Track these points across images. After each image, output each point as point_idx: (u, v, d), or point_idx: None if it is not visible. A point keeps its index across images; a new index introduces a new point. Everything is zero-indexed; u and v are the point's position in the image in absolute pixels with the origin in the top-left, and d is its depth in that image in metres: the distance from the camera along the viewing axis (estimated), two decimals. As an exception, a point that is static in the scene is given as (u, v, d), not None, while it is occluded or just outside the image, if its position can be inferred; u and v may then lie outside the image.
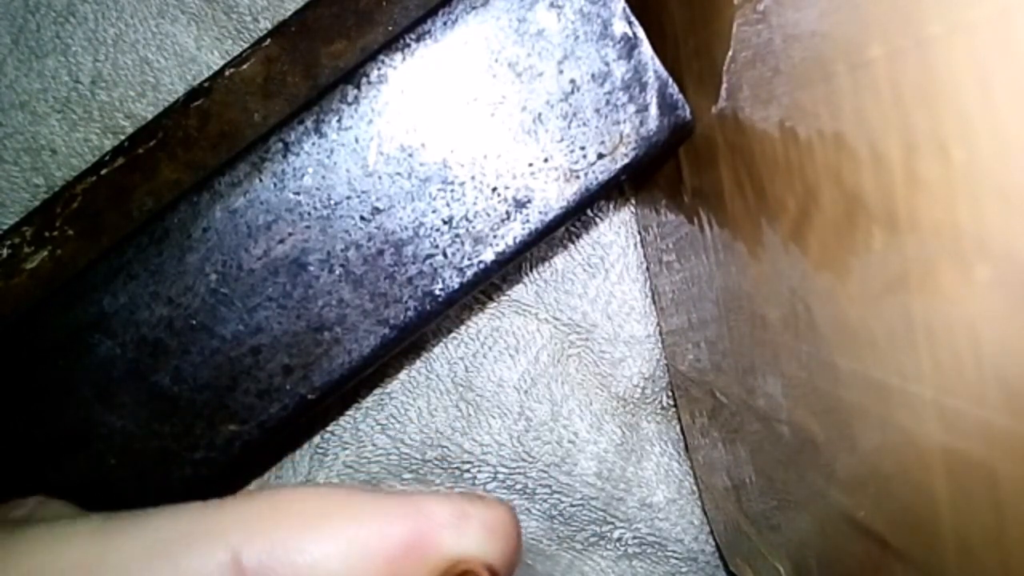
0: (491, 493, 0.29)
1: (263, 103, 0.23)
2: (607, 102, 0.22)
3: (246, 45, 0.25)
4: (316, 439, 0.28)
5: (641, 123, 0.22)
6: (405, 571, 0.14)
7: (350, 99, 0.21)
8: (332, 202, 0.21)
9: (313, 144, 0.21)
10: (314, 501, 0.14)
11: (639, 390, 0.29)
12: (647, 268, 0.29)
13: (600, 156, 0.22)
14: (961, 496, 0.12)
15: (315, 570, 0.13)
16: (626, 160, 0.22)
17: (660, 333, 0.29)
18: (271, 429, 0.22)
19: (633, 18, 0.21)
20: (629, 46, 0.21)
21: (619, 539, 0.29)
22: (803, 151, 0.15)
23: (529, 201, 0.22)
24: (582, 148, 0.22)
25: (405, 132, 0.21)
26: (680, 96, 0.22)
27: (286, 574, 0.13)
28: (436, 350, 0.29)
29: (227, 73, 0.23)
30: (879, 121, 0.13)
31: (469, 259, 0.22)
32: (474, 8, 0.21)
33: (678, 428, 0.29)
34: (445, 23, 0.21)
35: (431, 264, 0.22)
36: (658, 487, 0.29)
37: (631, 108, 0.22)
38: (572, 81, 0.22)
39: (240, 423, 0.22)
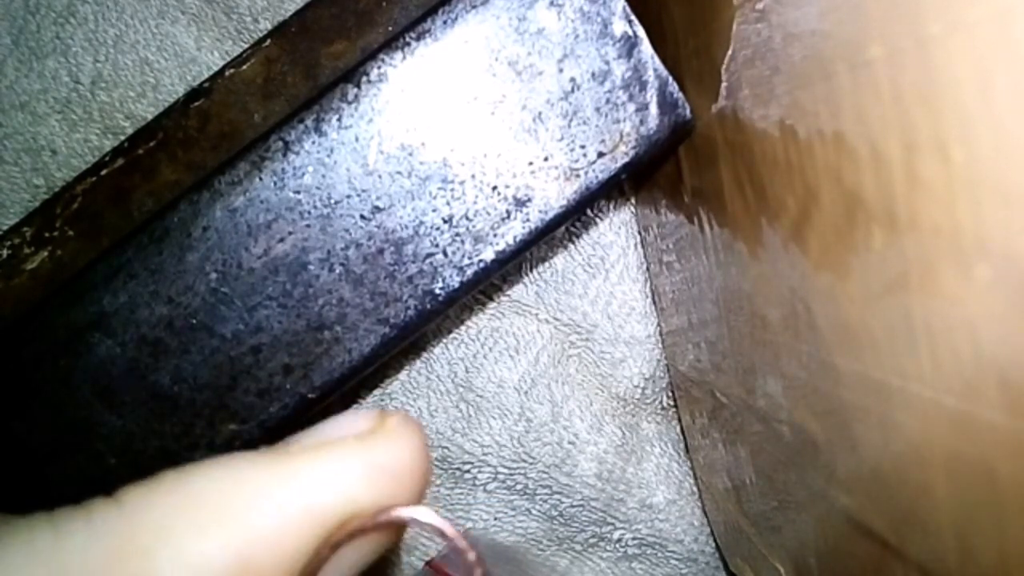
0: (492, 493, 0.29)
1: (263, 103, 0.23)
2: (607, 101, 0.22)
3: (246, 45, 0.25)
4: (316, 439, 0.28)
5: (641, 122, 0.22)
6: (285, 548, 0.12)
7: (350, 98, 0.21)
8: (332, 201, 0.21)
9: (313, 143, 0.21)
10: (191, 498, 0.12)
11: (639, 391, 0.29)
12: (647, 268, 0.29)
13: (600, 155, 0.22)
14: (961, 496, 0.12)
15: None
16: (626, 159, 0.22)
17: (660, 333, 0.29)
18: (271, 428, 0.22)
19: (633, 17, 0.21)
20: (629, 45, 0.21)
21: (619, 540, 0.29)
22: (803, 151, 0.15)
23: (529, 200, 0.22)
24: (582, 147, 0.22)
25: (405, 131, 0.21)
26: (680, 95, 0.22)
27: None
28: (436, 350, 0.29)
29: (227, 73, 0.23)
30: (879, 121, 0.13)
31: (469, 258, 0.22)
32: (474, 7, 0.21)
33: (678, 429, 0.29)
34: (445, 22, 0.21)
35: (431, 263, 0.22)
36: (658, 488, 0.29)
37: (631, 107, 0.22)
38: (572, 80, 0.21)
39: (240, 422, 0.22)
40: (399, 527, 0.13)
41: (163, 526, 0.11)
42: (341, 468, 0.12)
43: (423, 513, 0.13)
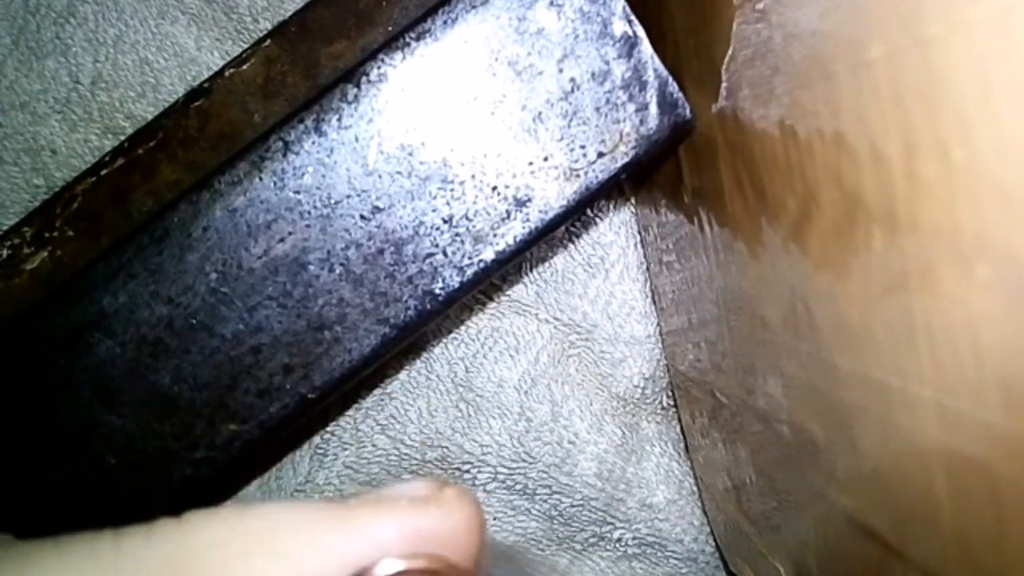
0: (492, 493, 0.29)
1: (263, 103, 0.23)
2: (607, 101, 0.22)
3: (246, 45, 0.25)
4: (316, 439, 0.28)
5: (641, 122, 0.22)
6: None
7: (350, 98, 0.21)
8: (332, 201, 0.21)
9: (313, 143, 0.21)
10: (235, 541, 0.13)
11: (639, 390, 0.29)
12: (647, 268, 0.29)
13: (600, 155, 0.22)
14: (961, 496, 0.12)
15: None
16: (626, 159, 0.22)
17: (660, 333, 0.29)
18: (271, 428, 0.22)
19: (633, 17, 0.21)
20: (629, 45, 0.21)
21: (619, 540, 0.29)
22: (803, 151, 0.15)
23: (529, 200, 0.22)
24: (582, 147, 0.22)
25: (405, 131, 0.21)
26: (680, 95, 0.22)
27: None
28: (436, 350, 0.29)
29: (227, 73, 0.23)
30: (879, 121, 0.13)
31: (469, 258, 0.22)
32: (474, 7, 0.21)
33: (678, 428, 0.29)
34: (445, 22, 0.21)
35: (431, 263, 0.22)
36: (658, 488, 0.29)
37: (631, 107, 0.22)
38: (572, 80, 0.21)
39: (240, 422, 0.22)
40: None
41: (217, 545, 0.12)
42: (388, 526, 0.13)
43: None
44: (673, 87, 0.22)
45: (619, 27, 0.21)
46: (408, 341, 0.22)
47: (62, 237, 0.22)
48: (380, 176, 0.21)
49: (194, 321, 0.21)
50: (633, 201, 0.29)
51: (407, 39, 0.21)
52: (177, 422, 0.22)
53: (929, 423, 0.13)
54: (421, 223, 0.22)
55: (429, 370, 0.29)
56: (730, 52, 0.18)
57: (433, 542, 0.13)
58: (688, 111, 0.22)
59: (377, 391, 0.29)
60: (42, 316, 0.21)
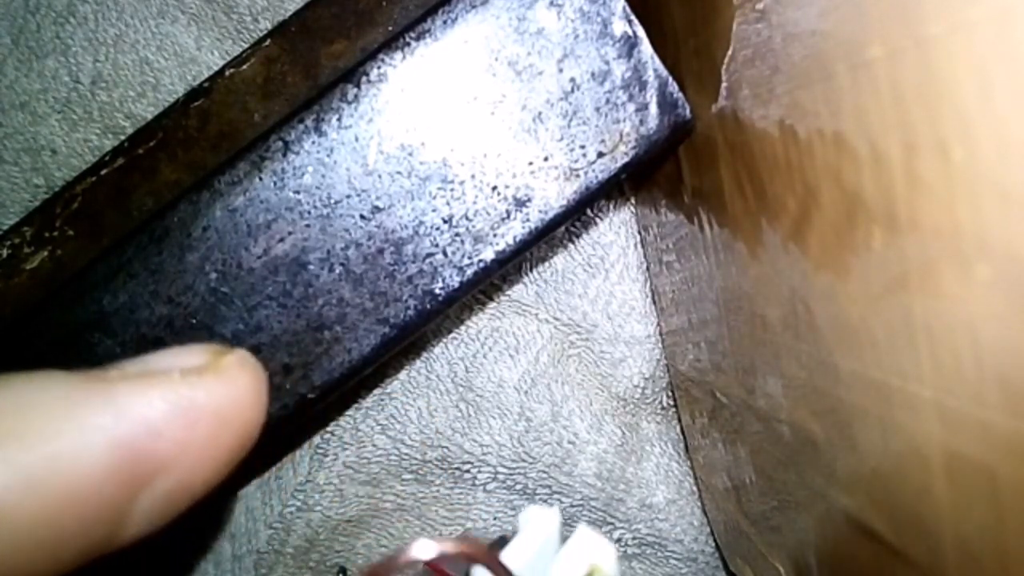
0: (493, 492, 0.29)
1: (263, 103, 0.23)
2: (607, 101, 0.22)
3: (246, 45, 0.25)
4: (316, 439, 0.29)
5: (641, 122, 0.22)
6: (109, 514, 0.11)
7: (350, 98, 0.21)
8: (332, 201, 0.21)
9: (313, 143, 0.21)
10: None
11: (639, 390, 0.29)
12: (647, 268, 0.29)
13: (600, 155, 0.22)
14: (961, 496, 0.12)
15: None
16: (626, 159, 0.22)
17: (660, 333, 0.29)
18: (271, 428, 0.22)
19: (633, 17, 0.21)
20: (629, 45, 0.21)
21: (619, 540, 0.29)
22: (803, 151, 0.15)
23: (529, 200, 0.22)
24: (582, 147, 0.22)
25: (405, 131, 0.21)
26: (680, 95, 0.22)
27: None
28: (436, 350, 0.29)
29: (227, 73, 0.23)
30: (879, 121, 0.13)
31: (469, 258, 0.22)
32: (474, 7, 0.21)
33: (678, 428, 0.29)
34: (445, 22, 0.21)
35: (431, 263, 0.22)
36: (658, 488, 0.29)
37: (631, 107, 0.22)
38: (572, 80, 0.21)
39: (240, 423, 0.22)
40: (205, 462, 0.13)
41: None
42: (155, 402, 0.12)
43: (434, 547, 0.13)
44: (673, 87, 0.22)
45: (619, 27, 0.21)
46: (408, 341, 0.22)
47: (62, 237, 0.22)
48: (380, 176, 0.21)
49: (194, 321, 0.21)
50: (633, 201, 0.29)
51: (407, 39, 0.21)
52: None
53: (929, 423, 0.13)
54: (421, 223, 0.22)
55: (429, 370, 0.29)
56: (730, 52, 0.18)
57: (212, 416, 0.12)
58: (688, 111, 0.22)
59: (377, 391, 0.29)
60: (42, 316, 0.21)
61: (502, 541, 0.16)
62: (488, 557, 0.13)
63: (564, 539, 0.16)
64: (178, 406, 0.12)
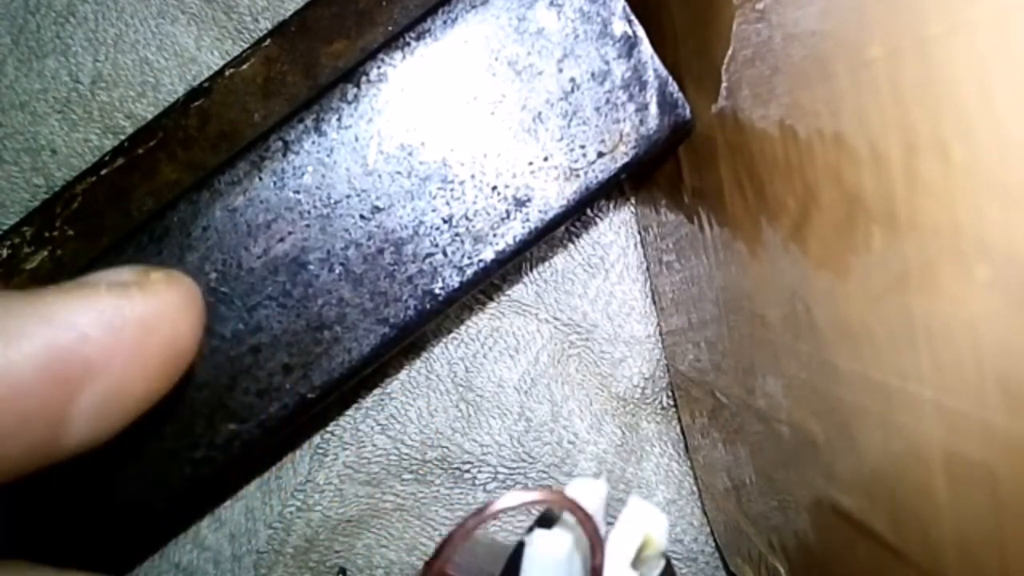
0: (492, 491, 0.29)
1: (263, 103, 0.23)
2: (607, 101, 0.22)
3: (246, 45, 0.25)
4: (316, 439, 0.29)
5: (641, 122, 0.22)
6: (48, 412, 0.13)
7: (350, 98, 0.21)
8: (332, 201, 0.21)
9: (313, 143, 0.21)
10: None
11: (639, 390, 0.29)
12: (647, 268, 0.29)
13: (600, 155, 0.22)
14: (961, 496, 0.12)
15: None
16: (626, 159, 0.22)
17: (660, 333, 0.29)
18: (271, 428, 0.22)
19: (633, 17, 0.21)
20: (629, 45, 0.21)
21: (619, 539, 0.29)
22: (803, 151, 0.15)
23: (529, 200, 0.22)
24: (582, 147, 0.22)
25: (405, 131, 0.21)
26: (680, 95, 0.22)
27: None
28: (436, 350, 0.29)
29: (227, 73, 0.23)
30: (879, 121, 0.13)
31: (469, 258, 0.22)
32: (474, 7, 0.21)
33: (678, 428, 0.29)
34: (445, 22, 0.21)
35: (431, 263, 0.22)
36: (658, 488, 0.29)
37: (631, 107, 0.22)
38: (572, 80, 0.21)
39: (240, 422, 0.22)
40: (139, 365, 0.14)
41: None
42: (85, 312, 0.13)
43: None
44: (673, 87, 0.22)
45: (619, 27, 0.21)
46: (408, 341, 0.22)
47: (62, 237, 0.22)
48: (380, 176, 0.21)
49: (194, 321, 0.21)
50: (633, 201, 0.29)
51: (407, 39, 0.21)
52: (177, 421, 0.22)
53: (929, 423, 0.13)
54: (421, 223, 0.22)
55: (429, 370, 0.29)
56: (730, 52, 0.18)
57: (136, 325, 0.13)
58: (688, 111, 0.22)
59: (377, 391, 0.29)
60: (42, 316, 0.21)
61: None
62: (570, 503, 0.14)
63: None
64: (104, 313, 0.13)
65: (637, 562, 0.16)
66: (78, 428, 0.13)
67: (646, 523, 0.16)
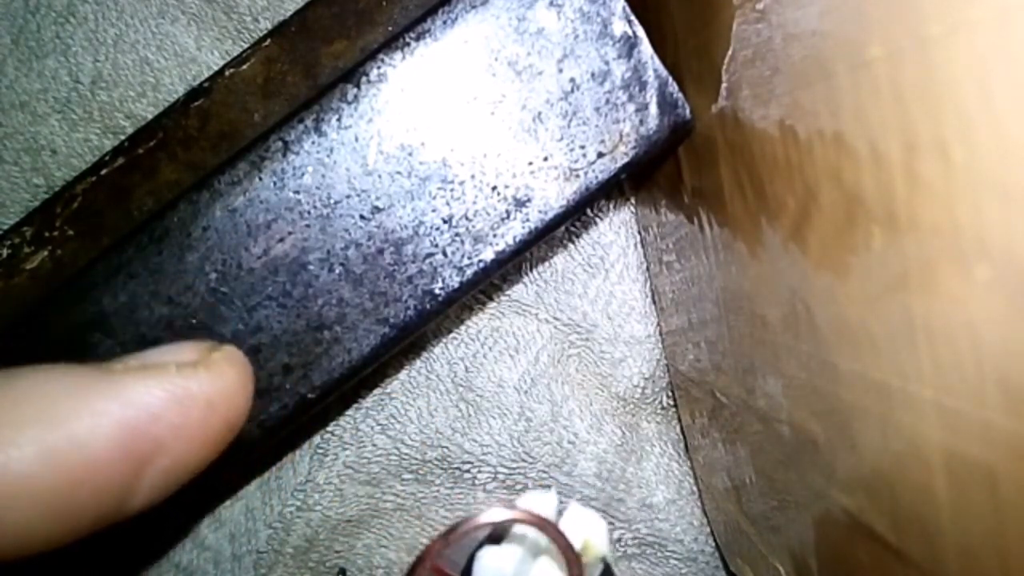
0: (490, 492, 0.29)
1: (263, 103, 0.23)
2: (607, 101, 0.22)
3: (246, 45, 0.25)
4: (316, 439, 0.29)
5: (641, 122, 0.22)
6: (118, 487, 0.13)
7: (350, 98, 0.21)
8: (332, 201, 0.21)
9: (313, 143, 0.21)
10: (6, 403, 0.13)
11: (639, 390, 0.29)
12: (647, 268, 0.29)
13: (600, 155, 0.22)
14: (961, 496, 0.12)
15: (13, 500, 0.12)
16: (626, 159, 0.22)
17: (660, 333, 0.29)
18: (271, 428, 0.22)
19: (633, 17, 0.21)
20: (629, 45, 0.21)
21: (619, 540, 0.29)
22: (803, 151, 0.15)
23: (529, 200, 0.22)
24: (582, 147, 0.22)
25: (405, 131, 0.21)
26: (680, 95, 0.22)
27: None
28: (436, 350, 0.29)
29: (227, 73, 0.23)
30: (879, 121, 0.13)
31: (469, 258, 0.22)
32: (474, 7, 0.21)
33: (678, 428, 0.29)
34: (445, 22, 0.21)
35: (431, 263, 0.22)
36: (658, 488, 0.29)
37: (631, 107, 0.22)
38: (572, 80, 0.21)
39: (240, 423, 0.22)
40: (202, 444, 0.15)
41: None
42: (155, 391, 0.14)
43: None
44: (673, 87, 0.22)
45: (619, 27, 0.21)
46: (408, 341, 0.22)
47: (62, 237, 0.22)
48: (380, 176, 0.21)
49: (194, 321, 0.21)
50: (633, 201, 0.29)
51: (407, 39, 0.21)
52: (177, 422, 0.22)
53: (929, 423, 0.13)
54: (421, 223, 0.22)
55: (429, 370, 0.29)
56: (730, 52, 0.18)
57: (203, 404, 0.14)
58: (688, 111, 0.22)
59: (377, 391, 0.29)
60: (42, 316, 0.21)
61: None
62: (549, 526, 0.14)
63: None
64: (174, 395, 0.14)
65: None
66: (141, 497, 0.14)
67: (586, 528, 0.17)
